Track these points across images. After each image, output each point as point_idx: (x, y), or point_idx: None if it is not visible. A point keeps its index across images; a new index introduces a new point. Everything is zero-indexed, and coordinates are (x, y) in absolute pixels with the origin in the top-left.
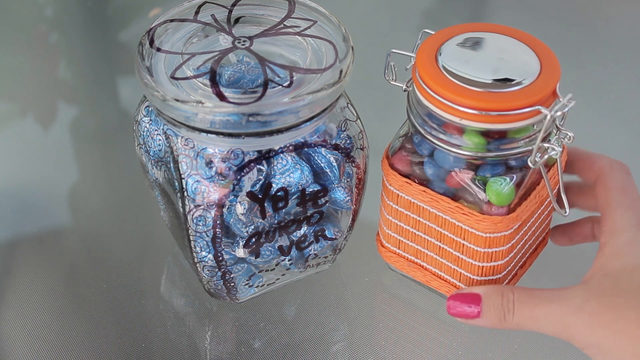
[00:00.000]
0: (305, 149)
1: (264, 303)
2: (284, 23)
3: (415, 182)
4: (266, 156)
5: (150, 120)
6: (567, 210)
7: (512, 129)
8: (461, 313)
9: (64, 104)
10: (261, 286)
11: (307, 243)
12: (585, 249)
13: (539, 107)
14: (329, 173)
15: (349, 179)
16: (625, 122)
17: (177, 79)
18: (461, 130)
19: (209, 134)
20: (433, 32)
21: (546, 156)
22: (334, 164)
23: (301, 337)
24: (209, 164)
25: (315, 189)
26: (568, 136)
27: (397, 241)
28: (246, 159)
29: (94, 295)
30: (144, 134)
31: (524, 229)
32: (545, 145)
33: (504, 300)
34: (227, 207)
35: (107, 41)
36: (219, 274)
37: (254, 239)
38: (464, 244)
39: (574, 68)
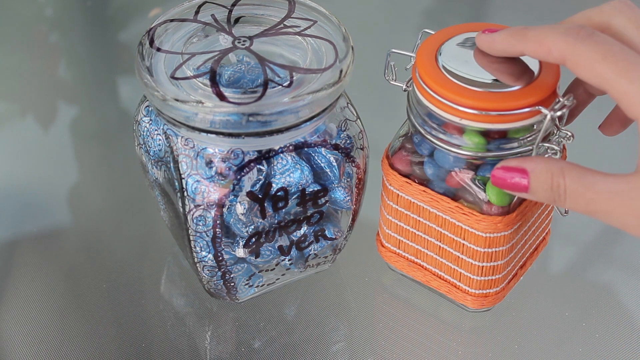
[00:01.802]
0: (305, 149)
1: (264, 303)
2: (284, 23)
3: (415, 182)
4: (266, 156)
5: (150, 120)
6: (567, 210)
7: (512, 128)
8: (507, 183)
9: (64, 104)
10: (261, 286)
11: (307, 243)
12: (586, 249)
13: (539, 107)
14: (329, 173)
15: (349, 179)
16: None
17: (177, 78)
18: (461, 130)
19: (209, 134)
20: (433, 32)
21: (546, 156)
22: (334, 163)
23: (301, 337)
24: (209, 163)
25: (315, 188)
26: (568, 136)
27: (397, 241)
28: (246, 159)
29: (93, 295)
30: (144, 133)
31: (524, 229)
32: (545, 145)
33: (553, 184)
34: (227, 207)
35: (107, 41)
36: (219, 273)
37: (254, 239)
38: (464, 244)
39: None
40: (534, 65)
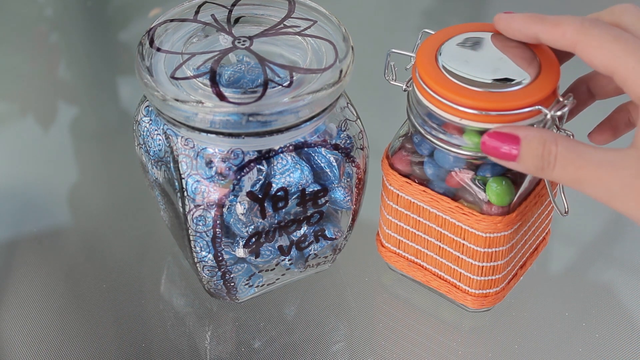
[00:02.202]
0: (305, 149)
1: (264, 303)
2: (284, 23)
3: (415, 182)
4: (266, 156)
5: (150, 120)
6: (567, 210)
7: None
8: (497, 151)
9: (64, 104)
10: (261, 286)
11: (307, 243)
12: (586, 249)
13: (539, 107)
14: (329, 173)
15: (349, 179)
16: None
17: (177, 78)
18: (461, 130)
19: (209, 134)
20: (433, 32)
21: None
22: (334, 163)
23: (301, 337)
24: (209, 163)
25: (315, 188)
26: (568, 135)
27: (397, 241)
28: (246, 159)
29: (93, 295)
30: (144, 133)
31: (524, 229)
32: None
33: (544, 151)
34: (227, 207)
35: (107, 41)
36: (219, 273)
37: (254, 239)
38: (463, 244)
39: (573, 67)
40: (534, 66)
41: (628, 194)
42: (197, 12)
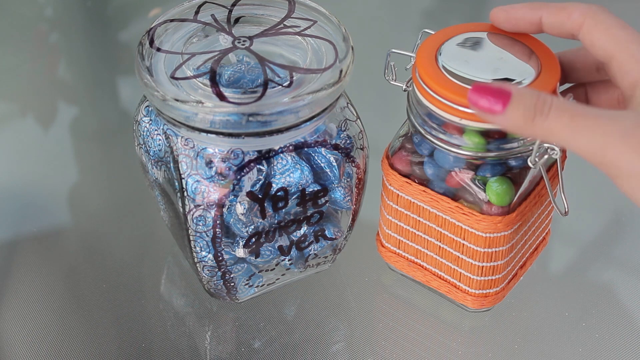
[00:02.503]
0: (305, 149)
1: (264, 303)
2: (284, 23)
3: (415, 182)
4: (266, 156)
5: (150, 120)
6: (567, 210)
7: None
8: (482, 104)
9: (64, 104)
10: (261, 286)
11: (307, 243)
12: (586, 249)
13: None
14: (329, 173)
15: (349, 179)
16: None
17: (177, 78)
18: (461, 130)
19: (209, 134)
20: (433, 32)
21: (546, 156)
22: (334, 163)
23: (301, 337)
24: (209, 163)
25: (315, 188)
26: None
27: (397, 241)
28: (246, 159)
29: (93, 295)
30: (144, 133)
31: (524, 229)
32: (545, 145)
33: (539, 102)
34: (227, 207)
35: (107, 41)
36: (219, 273)
37: (253, 239)
38: (464, 244)
39: None
40: (534, 66)
41: (627, 141)
42: (197, 12)
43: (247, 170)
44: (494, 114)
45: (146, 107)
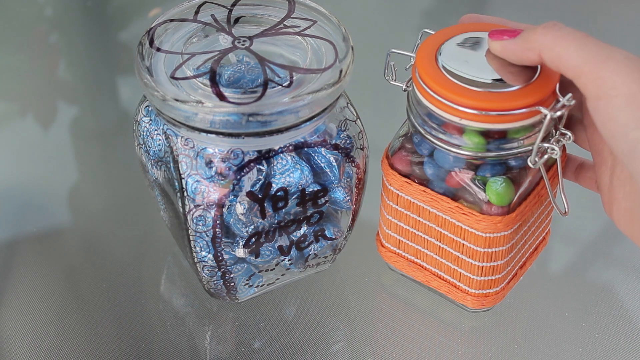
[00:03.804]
0: (305, 149)
1: (264, 303)
2: (284, 23)
3: (415, 182)
4: (266, 156)
5: (150, 120)
6: (567, 210)
7: (511, 129)
8: (500, 32)
9: (64, 104)
10: (261, 286)
11: (307, 243)
12: (586, 249)
13: (539, 107)
14: (329, 173)
15: (348, 179)
16: None
17: (177, 78)
18: (461, 130)
19: (208, 134)
20: (433, 32)
21: (546, 156)
22: (334, 163)
23: (301, 337)
24: (209, 163)
25: (315, 188)
26: (567, 136)
27: (397, 241)
28: (246, 159)
29: (93, 295)
30: (144, 133)
31: (524, 229)
32: (545, 145)
33: (549, 23)
34: (227, 207)
35: (107, 41)
36: (219, 273)
37: (253, 239)
38: (463, 244)
39: None
40: (535, 66)
41: (626, 63)
42: (197, 12)
43: (247, 170)
44: (510, 37)
45: (146, 107)
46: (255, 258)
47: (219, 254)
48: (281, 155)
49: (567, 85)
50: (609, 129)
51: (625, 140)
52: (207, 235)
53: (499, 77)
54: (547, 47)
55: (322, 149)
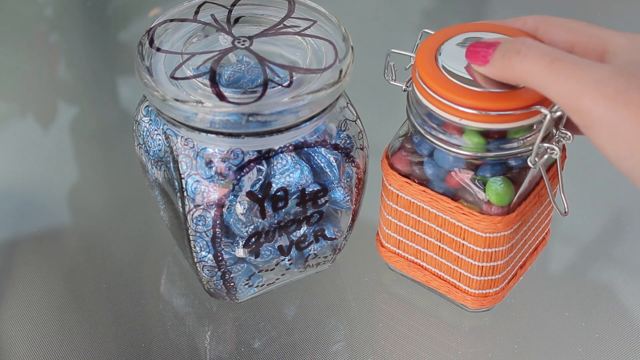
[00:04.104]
0: (305, 149)
1: (264, 303)
2: (284, 23)
3: (415, 182)
4: (266, 156)
5: (150, 120)
6: (567, 210)
7: (511, 129)
8: (474, 55)
9: (64, 104)
10: (261, 286)
11: (306, 243)
12: (586, 249)
13: (539, 107)
14: (329, 173)
15: (348, 179)
16: None
17: (176, 78)
18: (461, 130)
19: (208, 134)
20: (433, 32)
21: (546, 156)
22: (334, 163)
23: (301, 337)
24: (209, 163)
25: (315, 188)
26: (567, 136)
27: (396, 241)
28: (246, 159)
29: (93, 295)
30: (144, 133)
31: (524, 229)
32: (545, 145)
33: (518, 43)
34: (226, 207)
35: (107, 41)
36: (219, 273)
37: (253, 239)
38: (463, 244)
39: None
40: None
41: (602, 89)
42: (196, 12)
43: (247, 170)
44: (482, 65)
45: (146, 107)
46: (255, 258)
47: (218, 254)
48: (281, 155)
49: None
50: (605, 155)
51: (621, 167)
52: (207, 235)
53: None
54: (518, 79)
55: (322, 149)
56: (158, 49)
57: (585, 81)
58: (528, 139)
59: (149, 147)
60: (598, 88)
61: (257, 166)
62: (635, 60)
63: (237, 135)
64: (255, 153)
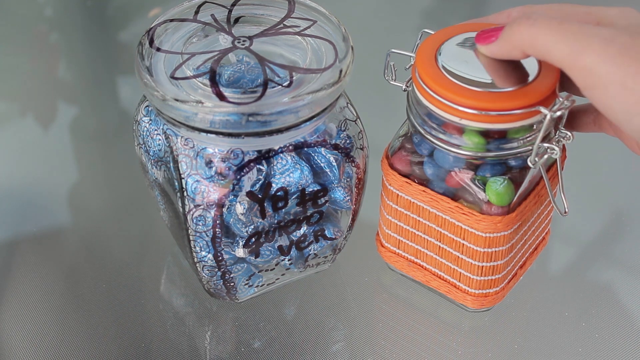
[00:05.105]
0: (305, 149)
1: (264, 303)
2: (284, 23)
3: (414, 182)
4: (266, 156)
5: (150, 120)
6: (567, 210)
7: (511, 128)
8: (483, 35)
9: (64, 104)
10: (261, 286)
11: (306, 243)
12: (586, 249)
13: (539, 107)
14: (329, 173)
15: (348, 179)
16: None
17: (176, 78)
18: (461, 130)
19: (208, 134)
20: (433, 32)
21: (546, 156)
22: (334, 163)
23: (301, 337)
24: (209, 163)
25: (315, 188)
26: (567, 136)
27: (396, 241)
28: (246, 159)
29: (93, 295)
30: (144, 133)
31: (524, 229)
32: (545, 145)
33: (527, 12)
34: (226, 207)
35: (107, 41)
36: (219, 273)
37: (253, 239)
38: (463, 244)
39: None
40: (533, 66)
41: (607, 48)
42: (196, 12)
43: (247, 170)
44: (492, 41)
45: (146, 107)
46: (255, 258)
47: (218, 254)
48: (281, 155)
49: (567, 82)
50: (611, 116)
51: (630, 125)
52: (207, 235)
53: None
54: (527, 44)
55: (322, 149)
56: (158, 49)
57: (591, 39)
58: (528, 138)
59: (149, 147)
60: (604, 46)
61: (257, 166)
62: (634, 24)
63: (237, 135)
64: (255, 153)
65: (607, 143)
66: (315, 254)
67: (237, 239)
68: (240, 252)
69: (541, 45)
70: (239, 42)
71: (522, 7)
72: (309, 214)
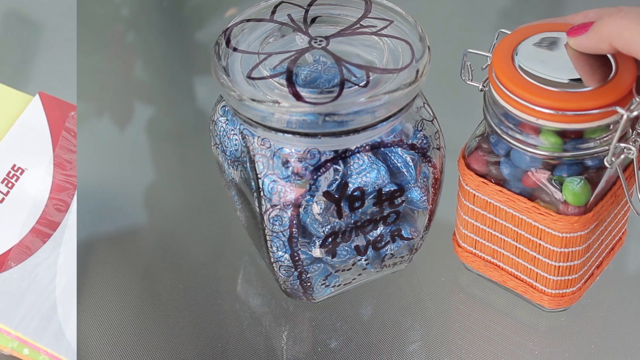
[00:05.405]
0: (382, 149)
1: (340, 303)
2: (361, 23)
3: (491, 182)
4: (342, 156)
5: (227, 120)
6: None
7: (588, 128)
8: (575, 28)
9: (141, 104)
10: (337, 286)
11: (383, 243)
12: None
13: (616, 107)
14: (406, 173)
15: (425, 179)
16: None
17: (253, 78)
18: (537, 130)
19: (285, 134)
20: (509, 32)
21: (622, 156)
22: (411, 163)
23: (377, 337)
24: (286, 163)
25: (392, 188)
26: None
27: (473, 241)
28: (322, 159)
29: (170, 295)
30: (221, 133)
31: (600, 229)
32: (622, 145)
33: (619, 7)
34: (303, 207)
35: (184, 41)
36: (296, 273)
37: (330, 239)
38: (540, 244)
39: None
40: (610, 65)
41: None
42: (273, 12)
43: (324, 170)
44: (582, 33)
45: (222, 107)
46: (332, 258)
47: (295, 254)
48: (358, 155)
49: None
50: None
51: None
52: (284, 235)
53: (575, 77)
54: (615, 35)
55: (399, 149)
56: (235, 49)
57: None
58: (605, 138)
59: (225, 147)
60: None
61: (334, 166)
62: None
63: (314, 135)
64: (332, 153)
65: None
66: (392, 254)
67: (314, 239)
68: (317, 252)
69: (629, 37)
70: (315, 42)
71: (600, 9)
72: (385, 214)
